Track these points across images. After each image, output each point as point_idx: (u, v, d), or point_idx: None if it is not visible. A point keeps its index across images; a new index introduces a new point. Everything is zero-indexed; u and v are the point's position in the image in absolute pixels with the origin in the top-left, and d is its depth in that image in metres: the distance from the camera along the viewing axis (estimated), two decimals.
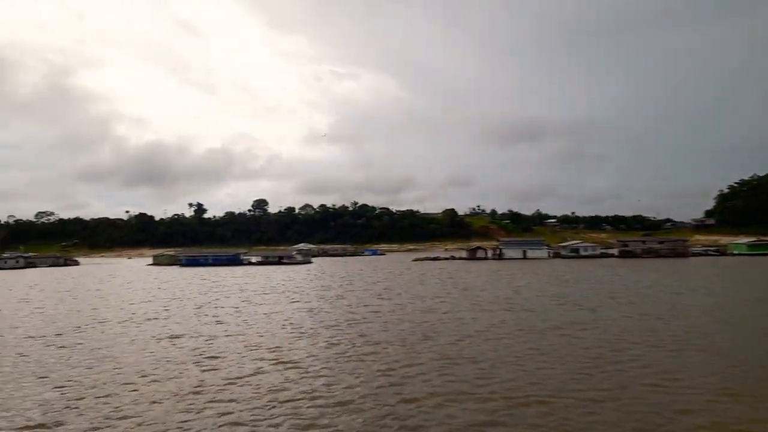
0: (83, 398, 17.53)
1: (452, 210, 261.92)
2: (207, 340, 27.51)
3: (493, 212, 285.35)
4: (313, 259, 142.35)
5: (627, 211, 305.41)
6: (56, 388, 18.80)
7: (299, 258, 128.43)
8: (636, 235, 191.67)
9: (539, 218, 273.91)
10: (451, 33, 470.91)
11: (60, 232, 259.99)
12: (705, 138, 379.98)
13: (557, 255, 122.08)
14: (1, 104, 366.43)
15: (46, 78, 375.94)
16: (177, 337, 28.83)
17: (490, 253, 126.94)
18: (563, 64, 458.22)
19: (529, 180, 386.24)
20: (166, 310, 41.52)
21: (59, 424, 15.26)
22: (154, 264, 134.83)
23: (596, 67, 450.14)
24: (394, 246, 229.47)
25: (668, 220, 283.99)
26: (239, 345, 26.11)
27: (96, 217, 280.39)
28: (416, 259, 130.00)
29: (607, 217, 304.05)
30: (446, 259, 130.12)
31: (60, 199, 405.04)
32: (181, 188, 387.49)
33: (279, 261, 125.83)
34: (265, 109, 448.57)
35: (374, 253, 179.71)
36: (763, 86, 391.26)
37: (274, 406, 16.32)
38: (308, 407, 16.19)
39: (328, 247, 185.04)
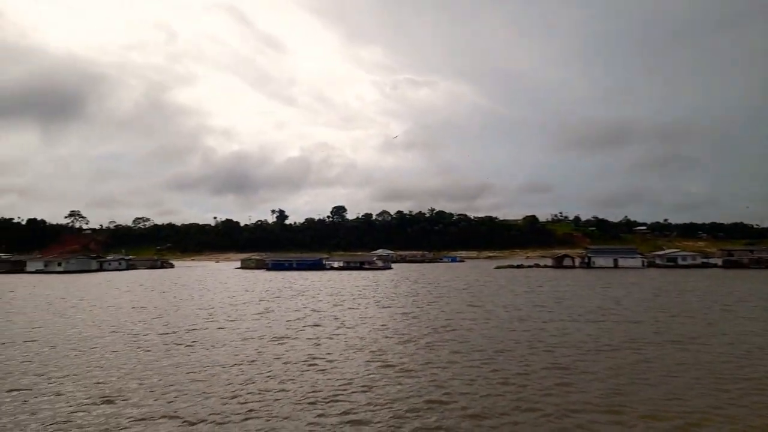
0: (212, 396, 18.14)
1: (533, 216, 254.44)
2: (313, 342, 27.92)
3: (577, 219, 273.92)
4: (393, 265, 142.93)
5: (724, 219, 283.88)
6: (194, 378, 19.65)
7: (380, 263, 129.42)
8: (739, 244, 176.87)
9: (627, 225, 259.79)
10: (530, 37, 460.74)
11: (154, 237, 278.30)
12: None
13: (652, 264, 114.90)
14: (106, 119, 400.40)
15: (145, 95, 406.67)
16: (283, 338, 29.53)
17: (577, 262, 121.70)
18: (650, 65, 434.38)
19: (613, 186, 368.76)
20: (267, 312, 42.82)
21: (199, 419, 15.80)
22: (242, 267, 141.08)
23: (686, 67, 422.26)
24: (473, 253, 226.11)
25: None
26: (344, 347, 26.29)
27: (186, 222, 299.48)
28: (499, 267, 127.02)
29: (703, 224, 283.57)
30: (530, 266, 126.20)
31: (154, 206, 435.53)
32: (262, 195, 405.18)
33: (360, 266, 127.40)
34: (343, 118, 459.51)
35: (453, 260, 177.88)
36: None
37: (400, 416, 16.05)
38: (436, 419, 15.78)
39: (406, 253, 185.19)
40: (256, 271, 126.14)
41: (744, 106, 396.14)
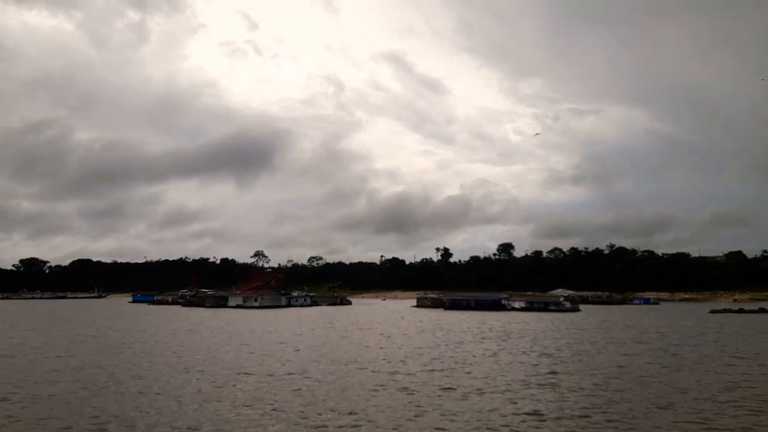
0: None
1: (738, 252, 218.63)
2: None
3: None
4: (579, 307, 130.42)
5: None
6: None
7: (567, 305, 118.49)
8: None
9: None
10: (715, 50, 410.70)
11: (327, 274, 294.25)
12: None
13: None
14: (286, 168, 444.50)
15: (319, 144, 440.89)
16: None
17: None
18: None
19: None
20: (494, 354, 38.33)
21: None
22: (417, 306, 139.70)
23: None
24: (664, 294, 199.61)
25: None
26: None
27: (353, 261, 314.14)
28: (714, 311, 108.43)
29: None
30: (754, 312, 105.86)
31: (322, 246, 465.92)
32: (422, 234, 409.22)
33: (545, 307, 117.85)
34: (501, 154, 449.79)
35: (646, 301, 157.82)
36: None
37: None
38: None
39: (588, 293, 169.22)
40: (434, 310, 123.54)
41: None
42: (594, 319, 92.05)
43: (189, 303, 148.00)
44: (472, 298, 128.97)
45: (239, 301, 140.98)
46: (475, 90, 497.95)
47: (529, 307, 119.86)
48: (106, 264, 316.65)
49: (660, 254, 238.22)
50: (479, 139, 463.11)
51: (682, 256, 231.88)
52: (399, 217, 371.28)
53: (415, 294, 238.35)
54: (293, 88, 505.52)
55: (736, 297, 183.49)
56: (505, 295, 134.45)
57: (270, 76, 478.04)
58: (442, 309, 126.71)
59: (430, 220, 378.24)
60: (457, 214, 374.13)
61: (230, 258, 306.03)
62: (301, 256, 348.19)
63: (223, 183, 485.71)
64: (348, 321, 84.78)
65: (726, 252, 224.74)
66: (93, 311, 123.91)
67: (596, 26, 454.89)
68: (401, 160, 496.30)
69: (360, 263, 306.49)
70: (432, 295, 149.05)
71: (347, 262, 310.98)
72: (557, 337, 56.25)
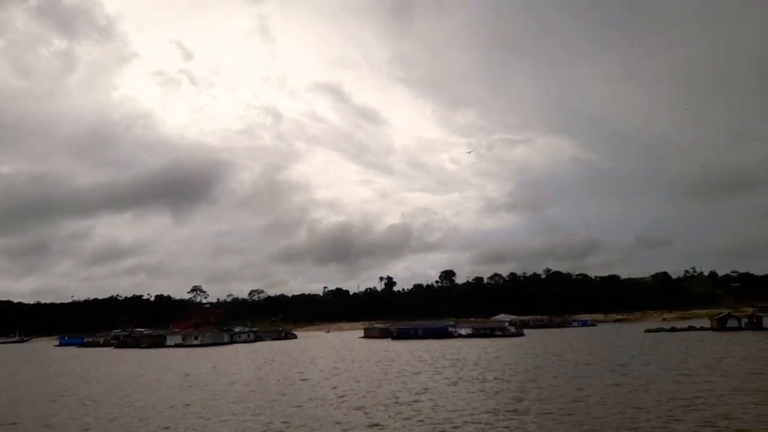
0: None
1: (663, 273, 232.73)
2: None
3: (713, 274, 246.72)
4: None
5: None
6: None
7: (512, 330, 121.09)
8: None
9: None
10: (633, 83, 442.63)
11: (268, 308, 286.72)
12: None
13: None
14: (224, 200, 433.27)
15: (257, 175, 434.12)
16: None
17: (743, 322, 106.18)
18: None
19: (741, 236, 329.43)
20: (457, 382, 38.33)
21: None
22: (365, 336, 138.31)
23: None
24: (598, 316, 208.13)
25: None
26: None
27: (294, 293, 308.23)
28: (648, 330, 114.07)
29: None
30: (685, 330, 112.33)
31: (262, 279, 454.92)
32: (364, 263, 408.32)
33: (491, 333, 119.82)
34: (438, 182, 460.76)
35: (584, 324, 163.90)
36: None
37: None
38: None
39: (529, 317, 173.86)
40: (382, 340, 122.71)
41: None
42: (539, 343, 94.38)
43: (123, 344, 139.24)
44: (420, 327, 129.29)
45: (178, 339, 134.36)
46: (411, 120, 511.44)
47: (476, 334, 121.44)
48: (28, 305, 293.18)
49: (593, 277, 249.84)
50: (417, 168, 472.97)
51: (613, 279, 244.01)
52: (340, 247, 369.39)
53: (360, 324, 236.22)
54: (230, 118, 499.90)
55: (665, 316, 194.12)
56: (451, 323, 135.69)
57: (205, 106, 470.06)
58: (390, 339, 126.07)
59: (372, 250, 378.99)
60: (399, 242, 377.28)
61: (166, 294, 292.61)
62: (241, 290, 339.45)
63: (159, 216, 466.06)
64: (298, 356, 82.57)
65: (652, 273, 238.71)
66: (11, 358, 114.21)
67: (524, 61, 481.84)
68: (341, 190, 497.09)
69: (302, 295, 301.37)
70: (379, 325, 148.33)
71: (289, 295, 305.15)
72: (510, 363, 57.10)
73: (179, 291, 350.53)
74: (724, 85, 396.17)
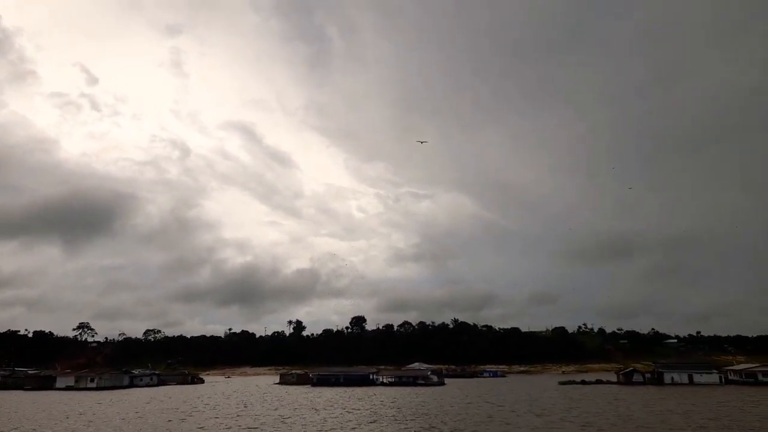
0: None
1: (562, 328, 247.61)
2: None
3: (602, 331, 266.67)
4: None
5: (728, 330, 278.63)
6: None
7: (435, 379, 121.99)
8: None
9: (656, 338, 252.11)
10: (532, 151, 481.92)
11: (166, 350, 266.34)
12: None
13: (728, 380, 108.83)
14: (126, 233, 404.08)
15: (160, 210, 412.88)
16: None
17: (647, 377, 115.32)
18: (655, 176, 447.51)
19: (622, 297, 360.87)
20: None
21: None
22: (281, 383, 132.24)
23: (690, 178, 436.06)
24: (502, 367, 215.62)
25: None
26: None
27: (194, 334, 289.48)
28: (563, 383, 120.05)
29: (728, 336, 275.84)
30: (593, 383, 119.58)
31: (157, 318, 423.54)
32: (267, 306, 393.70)
33: (413, 381, 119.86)
34: (347, 230, 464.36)
35: (494, 374, 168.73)
36: None
37: None
38: None
39: (443, 366, 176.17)
40: (300, 387, 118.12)
41: (747, 216, 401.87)
42: (461, 392, 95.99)
43: (2, 385, 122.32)
44: (341, 374, 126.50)
45: (70, 381, 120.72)
46: (323, 167, 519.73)
47: (398, 382, 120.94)
48: None
49: (497, 329, 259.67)
50: (325, 213, 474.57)
51: (515, 331, 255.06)
52: (245, 289, 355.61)
53: (266, 369, 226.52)
54: (133, 148, 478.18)
55: (564, 369, 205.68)
56: (374, 370, 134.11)
57: (108, 133, 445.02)
58: (309, 385, 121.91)
59: (277, 293, 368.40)
60: (305, 286, 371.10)
61: (47, 330, 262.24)
62: (133, 329, 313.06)
63: (48, 246, 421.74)
64: (215, 407, 77.36)
65: (542, 328, 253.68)
66: None
67: (435, 120, 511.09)
68: (249, 231, 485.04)
69: (204, 337, 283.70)
70: (297, 371, 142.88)
71: (189, 336, 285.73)
72: (449, 412, 57.60)
73: (63, 327, 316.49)
74: (613, 158, 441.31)
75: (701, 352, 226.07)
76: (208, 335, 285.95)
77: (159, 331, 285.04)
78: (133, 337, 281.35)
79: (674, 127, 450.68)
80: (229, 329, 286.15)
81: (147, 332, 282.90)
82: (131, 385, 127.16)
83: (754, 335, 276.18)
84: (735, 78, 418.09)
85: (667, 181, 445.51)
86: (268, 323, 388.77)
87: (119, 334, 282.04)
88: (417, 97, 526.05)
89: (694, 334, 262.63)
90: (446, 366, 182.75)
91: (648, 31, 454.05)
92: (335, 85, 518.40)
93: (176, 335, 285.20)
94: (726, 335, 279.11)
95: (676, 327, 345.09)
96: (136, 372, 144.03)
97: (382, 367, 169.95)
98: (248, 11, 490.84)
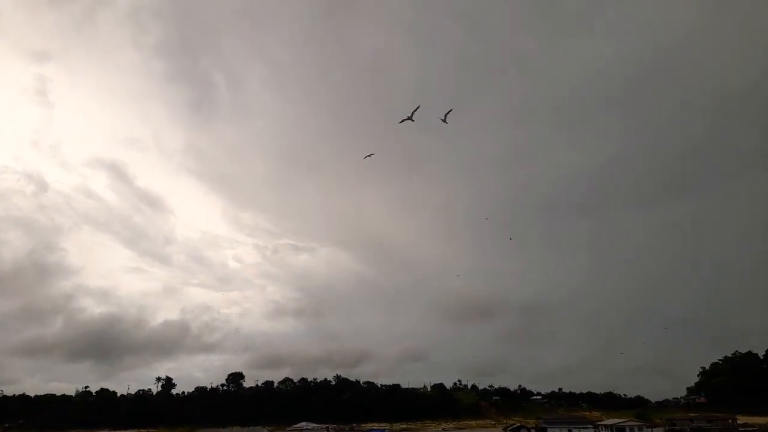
0: None
1: (441, 385, 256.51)
2: None
3: (474, 387, 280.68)
4: None
5: (576, 388, 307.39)
6: None
7: None
8: (627, 415, 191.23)
9: (524, 394, 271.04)
10: (404, 212, 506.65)
11: (1, 411, 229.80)
12: (651, 313, 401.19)
13: None
14: None
15: (9, 250, 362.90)
16: None
17: None
18: (516, 242, 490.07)
19: (484, 356, 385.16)
20: None
21: None
22: None
23: (545, 244, 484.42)
24: (384, 424, 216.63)
25: (639, 398, 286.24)
26: None
27: (38, 393, 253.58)
28: None
29: (581, 393, 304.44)
30: None
31: None
32: (127, 362, 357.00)
33: None
34: (220, 280, 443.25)
35: None
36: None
37: None
38: None
39: (331, 426, 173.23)
40: None
41: (604, 285, 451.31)
42: None
43: None
44: None
45: None
46: (199, 213, 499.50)
47: None
48: None
49: (380, 385, 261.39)
50: (198, 262, 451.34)
51: (396, 388, 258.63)
52: (103, 342, 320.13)
53: None
54: None
55: (444, 426, 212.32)
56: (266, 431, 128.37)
57: None
58: None
59: (140, 347, 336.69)
60: (173, 340, 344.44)
61: None
62: None
63: None
64: None
65: (428, 384, 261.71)
66: None
67: (315, 176, 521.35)
68: (114, 278, 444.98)
69: (51, 396, 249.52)
70: None
71: (32, 395, 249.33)
72: None
73: None
74: (472, 222, 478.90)
75: (562, 408, 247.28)
76: (58, 394, 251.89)
77: None
78: None
79: (527, 200, 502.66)
80: (85, 387, 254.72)
81: None
82: None
83: (602, 392, 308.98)
84: (580, 158, 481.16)
85: (521, 248, 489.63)
86: (129, 381, 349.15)
87: None
88: (298, 151, 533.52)
89: (556, 391, 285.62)
90: (334, 425, 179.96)
91: (502, 114, 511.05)
92: (218, 131, 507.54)
93: (16, 394, 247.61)
94: (579, 392, 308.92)
95: (534, 384, 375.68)
96: None
97: (268, 429, 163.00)
98: (129, 47, 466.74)
